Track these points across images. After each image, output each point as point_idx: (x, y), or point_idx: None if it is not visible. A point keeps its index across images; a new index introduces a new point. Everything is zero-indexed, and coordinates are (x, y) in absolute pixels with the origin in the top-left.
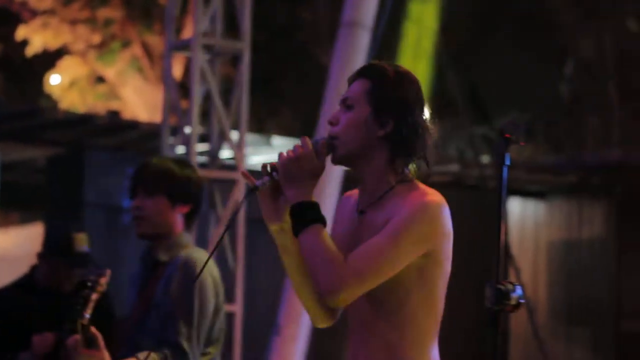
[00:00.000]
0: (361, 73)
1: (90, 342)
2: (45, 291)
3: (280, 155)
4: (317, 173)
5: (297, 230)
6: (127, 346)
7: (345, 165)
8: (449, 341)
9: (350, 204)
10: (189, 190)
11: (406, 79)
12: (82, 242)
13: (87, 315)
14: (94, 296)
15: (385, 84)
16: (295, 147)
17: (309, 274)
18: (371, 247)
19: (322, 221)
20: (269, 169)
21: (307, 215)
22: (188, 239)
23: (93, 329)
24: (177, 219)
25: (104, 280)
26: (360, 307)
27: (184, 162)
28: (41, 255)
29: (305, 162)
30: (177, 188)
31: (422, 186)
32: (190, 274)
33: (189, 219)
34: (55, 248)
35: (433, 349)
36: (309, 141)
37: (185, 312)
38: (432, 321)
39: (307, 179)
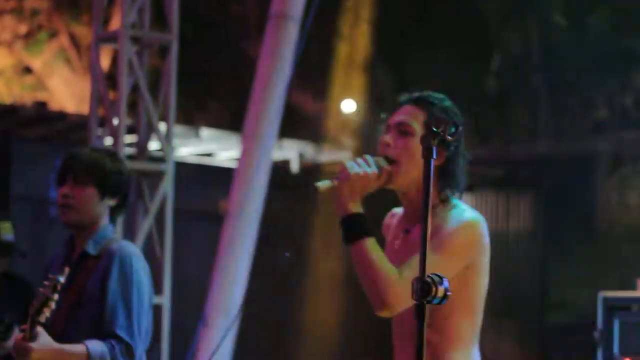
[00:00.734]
0: (415, 101)
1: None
2: None
3: (349, 167)
4: (369, 192)
5: (347, 241)
6: (61, 339)
7: (398, 190)
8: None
9: (394, 223)
10: (118, 183)
11: (455, 114)
12: (6, 230)
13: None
14: (54, 297)
15: (439, 118)
16: (362, 162)
17: (363, 285)
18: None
19: (372, 233)
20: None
21: (358, 228)
22: (113, 231)
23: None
24: (104, 210)
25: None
26: (406, 316)
27: (114, 154)
28: None
29: (369, 181)
30: (108, 180)
31: (461, 204)
32: (126, 268)
33: (115, 212)
34: None
35: (475, 352)
36: (374, 161)
37: (125, 305)
38: (474, 328)
39: (361, 195)
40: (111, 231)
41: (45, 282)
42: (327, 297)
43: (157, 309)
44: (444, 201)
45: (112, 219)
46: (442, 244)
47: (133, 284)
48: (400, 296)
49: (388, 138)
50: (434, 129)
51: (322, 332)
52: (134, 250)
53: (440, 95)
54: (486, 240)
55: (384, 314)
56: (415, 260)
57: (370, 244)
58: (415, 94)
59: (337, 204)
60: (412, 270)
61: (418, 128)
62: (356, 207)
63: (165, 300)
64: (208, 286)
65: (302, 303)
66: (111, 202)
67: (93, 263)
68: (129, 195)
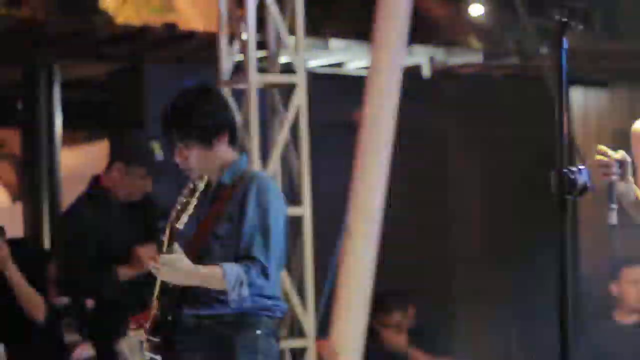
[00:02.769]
0: None
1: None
2: (119, 202)
3: None
4: None
5: None
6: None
7: None
8: None
9: None
10: (222, 122)
11: None
12: (157, 150)
13: (185, 220)
14: (193, 201)
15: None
16: None
17: None
18: None
19: None
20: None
21: None
22: (246, 162)
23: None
24: (223, 150)
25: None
26: None
27: (204, 91)
28: (120, 166)
29: None
30: (211, 130)
31: None
32: (262, 194)
33: (232, 142)
34: (137, 157)
35: None
36: None
37: (262, 229)
38: None
39: None
40: (245, 162)
41: (184, 190)
42: (467, 201)
43: (298, 221)
44: None
45: (233, 148)
46: None
47: (269, 209)
48: None
49: None
50: (563, 21)
51: (463, 231)
52: (269, 178)
53: None
54: None
55: None
56: None
57: None
58: None
59: None
60: None
61: None
62: None
63: (305, 211)
64: (347, 195)
65: (442, 207)
66: (222, 140)
67: (229, 192)
68: (234, 120)
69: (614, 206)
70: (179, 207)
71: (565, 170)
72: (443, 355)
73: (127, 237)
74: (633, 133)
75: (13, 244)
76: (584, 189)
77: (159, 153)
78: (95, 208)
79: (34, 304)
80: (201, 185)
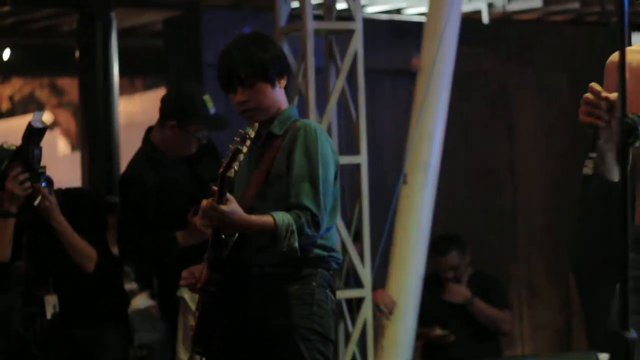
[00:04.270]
0: None
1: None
2: (176, 160)
3: None
4: None
5: None
6: (252, 209)
7: None
8: None
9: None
10: (280, 65)
11: None
12: (210, 103)
13: (235, 167)
14: (243, 149)
15: None
16: None
17: None
18: None
19: None
20: None
21: None
22: (296, 112)
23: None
24: (280, 95)
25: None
26: None
27: (261, 38)
28: (173, 123)
29: None
30: (270, 69)
31: None
32: (310, 141)
33: (286, 89)
34: (190, 113)
35: None
36: None
37: (310, 177)
38: None
39: None
40: (295, 112)
41: (235, 138)
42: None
43: (355, 169)
44: None
45: (287, 96)
46: None
47: (318, 157)
48: None
49: None
50: None
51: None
52: (318, 126)
53: None
54: None
55: None
56: None
57: None
58: None
59: None
60: None
61: None
62: None
63: (362, 159)
64: (403, 143)
65: (503, 155)
66: (282, 84)
67: (279, 142)
68: (289, 66)
69: (593, 155)
70: (230, 155)
71: (626, 119)
72: (505, 307)
73: (185, 196)
74: (607, 66)
75: (70, 193)
76: None
77: (212, 106)
78: (154, 169)
79: (85, 255)
80: (252, 133)
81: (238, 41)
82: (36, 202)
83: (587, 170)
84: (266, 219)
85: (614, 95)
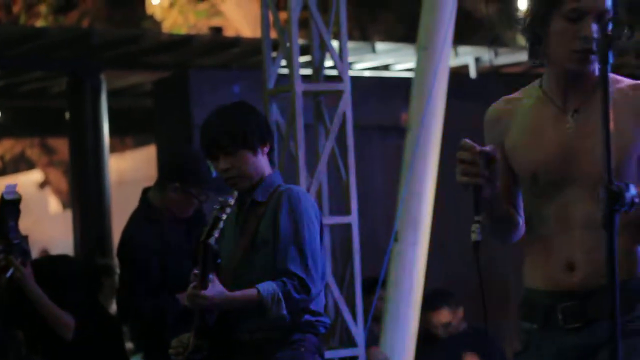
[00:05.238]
0: None
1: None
2: (174, 222)
3: None
4: None
5: None
6: (235, 284)
7: None
8: None
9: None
10: (263, 131)
11: None
12: (212, 167)
13: (215, 235)
14: (223, 217)
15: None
16: None
17: None
18: None
19: None
20: None
21: None
22: (280, 178)
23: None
24: (263, 161)
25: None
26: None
27: (242, 105)
28: (176, 185)
29: None
30: (253, 136)
31: None
32: (295, 205)
33: (270, 155)
34: (193, 176)
35: None
36: None
37: (296, 241)
38: None
39: None
40: (278, 178)
41: (215, 206)
42: None
43: (346, 228)
44: None
45: (271, 162)
46: None
47: (303, 221)
48: None
49: None
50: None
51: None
52: (301, 190)
53: None
54: None
55: None
56: None
57: None
58: None
59: None
60: None
61: None
62: None
63: (353, 219)
64: (394, 200)
65: None
66: (264, 151)
67: (263, 208)
68: (272, 133)
69: (478, 218)
70: (211, 223)
71: (612, 186)
72: None
73: (184, 256)
74: (485, 120)
75: (57, 260)
76: (632, 204)
77: (213, 169)
78: (155, 230)
79: (61, 323)
80: (231, 201)
81: (220, 110)
82: (8, 274)
83: (475, 236)
84: (250, 292)
85: (490, 148)
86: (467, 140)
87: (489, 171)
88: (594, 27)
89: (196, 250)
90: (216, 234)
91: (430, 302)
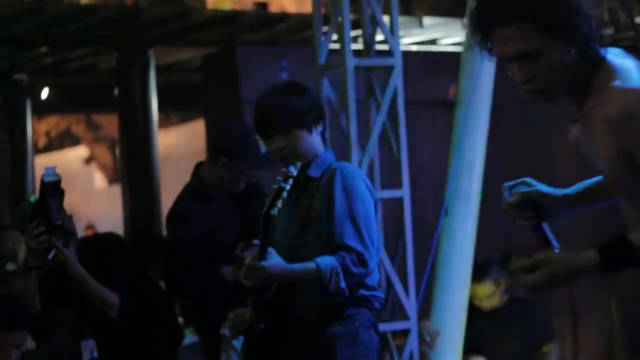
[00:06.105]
0: None
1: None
2: (224, 196)
3: None
4: None
5: None
6: (290, 259)
7: None
8: None
9: None
10: (316, 109)
11: None
12: (261, 143)
13: (278, 205)
14: (287, 187)
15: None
16: None
17: None
18: None
19: None
20: None
21: None
22: (333, 156)
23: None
24: (317, 140)
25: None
26: None
27: (294, 85)
28: (224, 161)
29: None
30: (307, 114)
31: None
32: (348, 181)
33: (323, 133)
34: (241, 151)
35: None
36: None
37: (352, 216)
38: None
39: None
40: (331, 156)
41: (278, 177)
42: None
43: (398, 202)
44: None
45: (323, 140)
46: None
47: (357, 196)
48: None
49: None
50: None
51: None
52: (354, 167)
53: None
54: None
55: None
56: None
57: None
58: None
59: None
60: None
61: None
62: None
63: (405, 192)
64: (445, 175)
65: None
66: (318, 128)
67: (317, 183)
68: (325, 114)
69: (557, 245)
70: (274, 194)
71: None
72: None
73: (233, 232)
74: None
75: (104, 240)
76: None
77: (262, 145)
78: (202, 205)
79: (106, 303)
80: (294, 171)
81: (274, 89)
82: (50, 255)
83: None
84: (308, 265)
85: (533, 194)
86: (508, 202)
87: (540, 212)
88: (522, 70)
89: (258, 222)
90: (279, 204)
91: (473, 274)
